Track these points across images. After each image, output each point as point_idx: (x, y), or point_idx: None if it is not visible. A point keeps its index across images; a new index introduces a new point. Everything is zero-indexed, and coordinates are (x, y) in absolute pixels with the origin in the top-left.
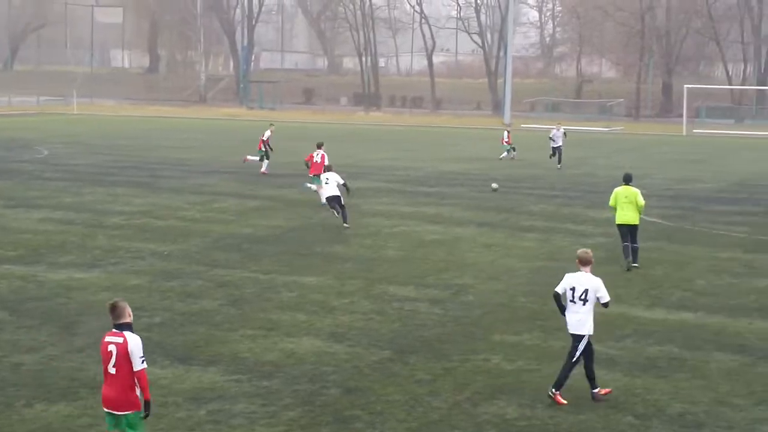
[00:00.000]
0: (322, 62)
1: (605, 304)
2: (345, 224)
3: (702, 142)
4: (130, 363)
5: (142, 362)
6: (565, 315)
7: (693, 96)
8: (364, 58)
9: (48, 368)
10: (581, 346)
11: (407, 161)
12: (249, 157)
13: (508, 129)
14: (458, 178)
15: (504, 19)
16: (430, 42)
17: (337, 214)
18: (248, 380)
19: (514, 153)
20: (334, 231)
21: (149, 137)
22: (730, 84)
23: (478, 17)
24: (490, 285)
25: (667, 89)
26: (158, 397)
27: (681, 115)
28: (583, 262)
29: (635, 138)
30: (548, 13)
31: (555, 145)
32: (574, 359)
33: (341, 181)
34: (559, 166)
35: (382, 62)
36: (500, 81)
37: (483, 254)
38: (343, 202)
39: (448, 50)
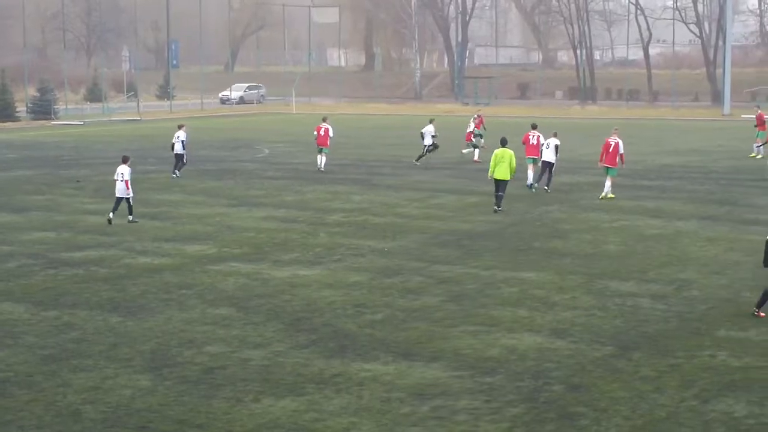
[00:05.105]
0: (536, 56)
1: None
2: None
3: None
4: None
5: None
6: None
7: None
8: (578, 52)
9: (274, 364)
10: None
11: (625, 155)
12: (464, 151)
13: (478, 113)
14: (677, 171)
15: (722, 8)
16: (646, 33)
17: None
18: (470, 376)
19: (482, 141)
20: (552, 226)
21: (366, 135)
22: None
23: (696, 7)
24: (714, 280)
25: None
26: (382, 393)
27: None
28: None
29: None
30: None
31: None
32: None
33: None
34: None
35: (597, 55)
36: (719, 71)
37: (706, 248)
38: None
39: (664, 41)
